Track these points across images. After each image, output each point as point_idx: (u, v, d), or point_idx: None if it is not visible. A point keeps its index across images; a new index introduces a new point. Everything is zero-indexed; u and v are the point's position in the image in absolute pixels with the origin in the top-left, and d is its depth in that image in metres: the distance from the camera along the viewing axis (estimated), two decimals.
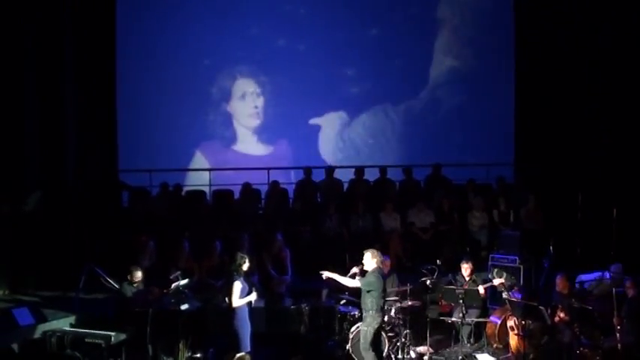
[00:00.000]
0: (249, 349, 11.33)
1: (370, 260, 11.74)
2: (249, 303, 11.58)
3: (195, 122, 18.92)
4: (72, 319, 12.76)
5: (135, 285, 12.68)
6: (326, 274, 11.91)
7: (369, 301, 11.63)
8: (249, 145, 19.30)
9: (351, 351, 12.39)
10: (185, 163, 18.78)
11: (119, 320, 12.24)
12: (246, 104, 19.25)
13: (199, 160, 18.96)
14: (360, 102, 19.49)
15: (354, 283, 11.74)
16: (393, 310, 12.75)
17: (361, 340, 11.76)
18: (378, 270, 11.74)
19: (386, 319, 12.50)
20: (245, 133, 19.28)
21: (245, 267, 11.59)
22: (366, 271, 11.77)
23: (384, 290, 11.82)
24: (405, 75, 19.51)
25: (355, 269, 11.83)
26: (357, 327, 12.23)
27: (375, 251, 11.85)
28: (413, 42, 19.41)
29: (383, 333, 12.47)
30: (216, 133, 19.21)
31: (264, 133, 19.32)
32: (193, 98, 18.72)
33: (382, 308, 11.75)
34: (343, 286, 12.13)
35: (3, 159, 14.45)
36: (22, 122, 14.78)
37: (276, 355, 12.52)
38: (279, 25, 18.87)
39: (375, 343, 11.73)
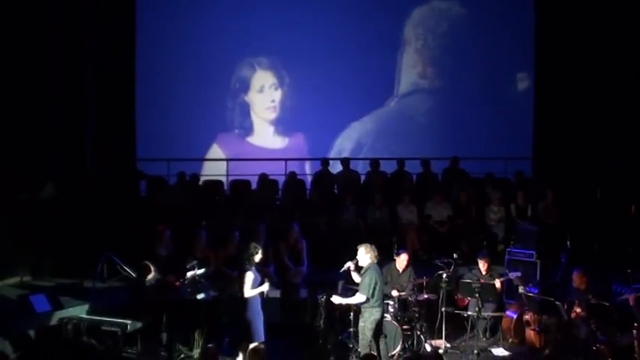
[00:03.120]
0: (262, 339, 11.35)
1: (364, 255, 11.59)
2: (262, 293, 11.54)
3: (213, 112, 18.91)
4: (88, 306, 12.78)
5: (149, 278, 12.63)
6: (336, 299, 11.89)
7: None
8: (265, 137, 19.28)
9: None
10: (202, 153, 18.78)
11: (135, 309, 12.27)
12: (264, 97, 19.23)
13: (216, 151, 18.95)
14: (377, 94, 19.41)
15: (359, 298, 11.53)
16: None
17: (360, 336, 11.69)
18: (373, 265, 11.61)
19: (391, 311, 12.53)
20: (262, 125, 19.27)
21: (257, 257, 11.54)
22: (361, 267, 11.66)
23: (382, 284, 11.74)
24: (423, 67, 19.47)
25: (350, 264, 11.75)
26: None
27: (368, 246, 11.68)
28: (427, 36, 19.36)
29: (398, 327, 12.49)
30: (234, 124, 19.19)
31: (280, 125, 19.30)
32: (212, 88, 18.70)
33: (380, 302, 11.64)
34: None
35: (22, 147, 14.49)
36: (41, 111, 14.82)
37: (290, 346, 12.54)
38: (299, 17, 18.79)
39: (376, 338, 11.69)
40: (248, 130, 19.23)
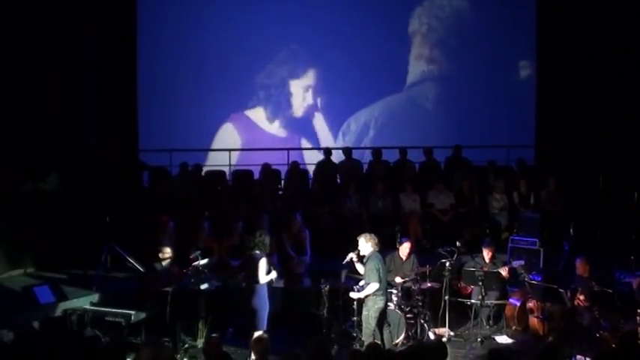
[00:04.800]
0: (265, 328, 11.41)
1: (365, 244, 11.65)
2: (270, 282, 11.68)
3: (220, 101, 18.76)
4: (92, 297, 12.82)
5: (164, 263, 12.62)
6: (354, 295, 11.94)
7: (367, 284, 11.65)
8: (281, 126, 19.28)
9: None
10: (206, 144, 18.67)
11: (140, 299, 12.29)
12: (299, 98, 19.19)
13: (229, 131, 18.86)
14: (380, 85, 19.38)
15: (373, 287, 11.49)
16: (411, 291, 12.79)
17: (363, 325, 11.75)
18: (375, 253, 11.66)
19: (394, 300, 12.55)
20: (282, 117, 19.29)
21: (267, 244, 11.65)
22: (363, 256, 11.72)
23: (385, 271, 11.79)
24: (425, 57, 19.44)
25: (352, 255, 11.79)
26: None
27: (368, 235, 11.74)
28: (430, 25, 19.34)
29: (402, 315, 12.51)
30: (253, 105, 19.11)
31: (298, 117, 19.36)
32: (217, 76, 18.56)
33: (384, 291, 11.68)
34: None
35: (24, 139, 14.49)
36: (43, 101, 14.81)
37: (294, 336, 12.55)
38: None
39: (379, 327, 11.74)
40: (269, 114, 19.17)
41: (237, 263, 13.82)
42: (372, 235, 11.77)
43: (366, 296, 11.68)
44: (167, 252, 12.59)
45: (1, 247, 14.13)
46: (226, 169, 17.80)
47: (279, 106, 19.13)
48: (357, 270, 11.98)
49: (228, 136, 18.83)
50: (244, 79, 18.87)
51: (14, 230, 14.28)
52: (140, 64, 16.61)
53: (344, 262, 12.01)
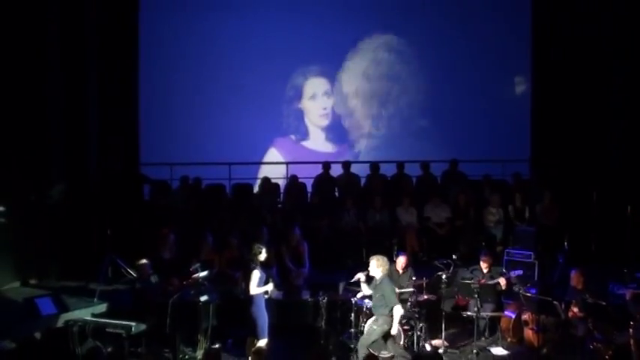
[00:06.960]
0: (266, 336, 11.57)
1: (376, 269, 11.92)
2: (266, 293, 11.87)
3: (222, 116, 18.94)
4: (94, 308, 12.93)
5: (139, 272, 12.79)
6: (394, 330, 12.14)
7: (380, 305, 11.90)
8: (318, 141, 19.62)
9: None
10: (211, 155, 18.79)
11: (139, 311, 12.41)
12: (317, 104, 19.51)
13: (272, 153, 19.27)
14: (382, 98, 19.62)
15: (398, 311, 11.79)
16: (408, 304, 12.93)
17: (364, 335, 11.94)
18: (386, 278, 11.95)
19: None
20: (315, 131, 19.57)
21: (262, 257, 11.88)
22: (371, 278, 11.99)
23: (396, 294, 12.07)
24: (422, 71, 19.61)
25: (361, 275, 12.03)
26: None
27: (380, 258, 11.99)
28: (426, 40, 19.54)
29: (399, 326, 12.64)
30: (290, 129, 19.49)
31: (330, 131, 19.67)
32: (224, 91, 18.71)
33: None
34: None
35: (28, 151, 14.63)
36: (47, 115, 14.95)
37: (292, 347, 12.66)
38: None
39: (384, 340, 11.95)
40: (303, 135, 19.55)
41: (238, 275, 13.95)
42: (385, 259, 12.05)
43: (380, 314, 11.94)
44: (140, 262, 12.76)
45: (3, 258, 14.24)
46: (226, 183, 17.89)
47: (323, 125, 19.58)
48: (354, 280, 12.19)
49: (280, 151, 19.27)
50: (250, 89, 18.96)
51: (17, 242, 14.40)
52: (141, 78, 16.74)
53: (352, 281, 12.21)
